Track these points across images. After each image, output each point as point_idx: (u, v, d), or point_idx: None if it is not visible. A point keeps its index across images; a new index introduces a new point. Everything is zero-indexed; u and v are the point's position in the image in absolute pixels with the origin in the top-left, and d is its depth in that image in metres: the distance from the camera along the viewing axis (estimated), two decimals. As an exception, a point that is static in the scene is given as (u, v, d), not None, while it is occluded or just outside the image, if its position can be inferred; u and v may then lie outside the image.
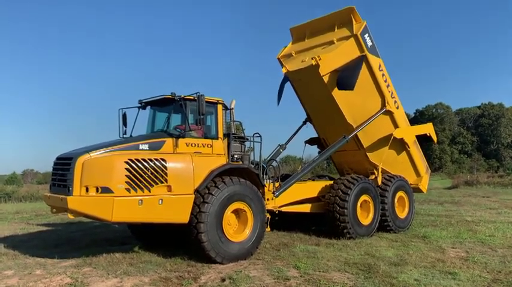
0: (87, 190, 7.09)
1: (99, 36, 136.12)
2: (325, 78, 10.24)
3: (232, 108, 9.27)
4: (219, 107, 8.77)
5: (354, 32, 10.26)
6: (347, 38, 10.37)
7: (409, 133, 12.01)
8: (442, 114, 78.60)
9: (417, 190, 13.09)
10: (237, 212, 8.42)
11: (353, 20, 10.39)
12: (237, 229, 8.45)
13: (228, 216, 8.17)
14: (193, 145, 8.16)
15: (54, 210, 7.99)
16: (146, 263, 7.89)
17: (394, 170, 12.21)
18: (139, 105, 9.11)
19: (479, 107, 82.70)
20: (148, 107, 9.20)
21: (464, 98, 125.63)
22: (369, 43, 10.57)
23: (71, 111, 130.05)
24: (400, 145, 11.78)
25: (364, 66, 10.49)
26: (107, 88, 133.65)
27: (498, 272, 7.27)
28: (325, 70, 10.16)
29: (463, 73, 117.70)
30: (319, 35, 10.98)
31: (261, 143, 9.45)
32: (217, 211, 7.82)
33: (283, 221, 11.27)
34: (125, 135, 8.91)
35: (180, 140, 8.03)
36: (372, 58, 10.67)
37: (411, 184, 12.73)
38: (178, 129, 8.37)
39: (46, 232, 12.53)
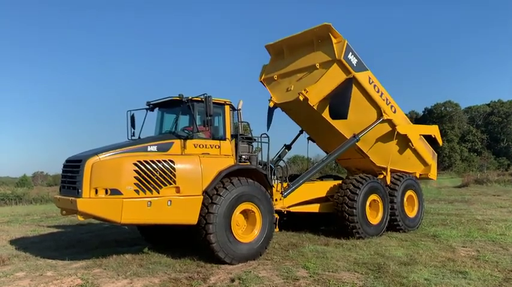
0: (96, 191, 7.13)
1: (110, 39, 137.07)
2: (316, 107, 10.19)
3: (240, 109, 9.27)
4: (227, 108, 8.78)
5: (337, 57, 9.80)
6: (330, 63, 9.94)
7: (413, 130, 11.93)
8: (451, 112, 77.94)
9: (426, 178, 13.07)
10: (245, 213, 8.43)
11: (331, 37, 9.93)
12: (245, 230, 8.45)
13: (237, 217, 8.18)
14: (201, 146, 8.18)
15: (64, 212, 8.03)
16: (156, 264, 7.93)
17: (402, 167, 12.16)
18: (147, 107, 9.16)
19: (488, 105, 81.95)
20: (156, 108, 9.23)
21: (473, 95, 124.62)
22: (354, 61, 10.14)
23: (80, 114, 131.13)
24: (404, 143, 11.69)
25: (353, 86, 10.19)
26: (115, 90, 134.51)
27: (510, 271, 7.21)
28: (315, 101, 10.07)
29: (471, 71, 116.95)
30: (299, 54, 10.56)
31: (268, 143, 9.46)
32: (226, 212, 7.83)
33: (291, 222, 11.27)
34: (133, 137, 8.97)
35: (188, 141, 8.06)
36: (360, 76, 10.30)
37: (421, 174, 12.71)
38: (186, 131, 8.40)
39: (56, 234, 12.63)
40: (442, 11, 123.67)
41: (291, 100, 10.31)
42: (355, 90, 10.24)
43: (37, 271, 7.70)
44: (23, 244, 10.64)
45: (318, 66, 10.10)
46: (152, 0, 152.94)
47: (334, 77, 10.04)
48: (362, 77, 10.37)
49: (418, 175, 12.67)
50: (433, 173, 12.85)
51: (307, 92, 9.86)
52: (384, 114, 10.89)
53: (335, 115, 10.17)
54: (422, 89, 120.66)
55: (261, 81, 11.37)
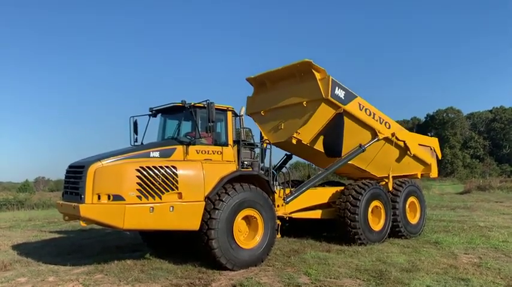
0: (99, 197, 7.16)
1: (114, 42, 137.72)
2: (309, 143, 10.32)
3: (242, 115, 9.29)
4: (229, 114, 8.82)
5: (324, 97, 9.66)
6: (318, 102, 9.80)
7: (411, 138, 12.01)
8: (453, 118, 77.96)
9: (428, 176, 13.17)
10: (247, 219, 8.43)
11: (314, 72, 9.78)
12: (247, 236, 8.45)
13: (239, 223, 8.18)
14: (203, 152, 8.20)
15: (67, 217, 8.05)
16: (157, 270, 7.92)
17: (403, 172, 12.24)
18: (150, 113, 9.19)
19: (491, 111, 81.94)
20: (159, 114, 9.27)
21: (475, 102, 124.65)
22: (342, 94, 9.97)
23: (83, 119, 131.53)
24: (402, 152, 11.76)
25: (345, 118, 10.13)
26: (118, 95, 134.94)
27: (512, 278, 7.19)
28: (307, 139, 10.22)
29: (474, 77, 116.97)
30: (283, 88, 10.45)
31: (270, 149, 9.48)
32: (228, 218, 7.84)
33: (293, 228, 11.25)
34: (136, 143, 8.99)
35: (191, 147, 8.08)
36: (350, 107, 10.21)
37: (422, 174, 12.79)
38: (188, 137, 8.43)
39: (58, 239, 12.64)
40: (444, 17, 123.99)
41: (284, 141, 10.39)
42: (347, 121, 10.20)
43: (39, 277, 7.70)
44: (24, 249, 10.64)
45: (305, 105, 9.97)
46: (157, 3, 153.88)
47: (323, 115, 10.03)
48: (352, 107, 10.31)
49: (419, 175, 12.78)
50: (434, 171, 12.89)
51: (299, 133, 9.99)
52: (379, 134, 10.93)
53: (330, 153, 10.24)
54: (424, 95, 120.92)
55: (248, 115, 11.32)
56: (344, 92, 10.07)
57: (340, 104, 9.97)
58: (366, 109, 10.70)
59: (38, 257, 9.51)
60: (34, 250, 10.65)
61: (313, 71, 9.83)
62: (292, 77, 10.27)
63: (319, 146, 10.42)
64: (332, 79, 9.76)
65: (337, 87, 9.90)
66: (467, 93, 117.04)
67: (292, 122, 10.27)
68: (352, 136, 10.49)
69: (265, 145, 10.30)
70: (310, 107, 9.97)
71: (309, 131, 10.16)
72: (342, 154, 10.48)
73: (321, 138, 10.33)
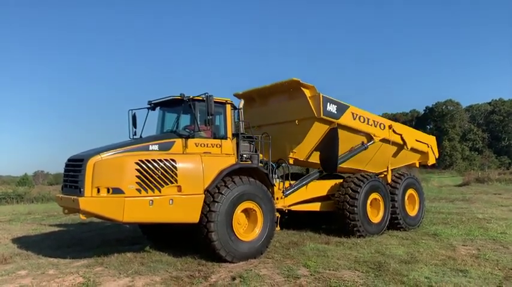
0: (98, 190, 7.16)
1: (111, 38, 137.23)
2: (305, 159, 10.42)
3: (241, 108, 9.27)
4: (228, 107, 8.80)
5: (317, 116, 9.57)
6: (311, 121, 9.74)
7: (408, 132, 12.04)
8: (452, 111, 77.86)
9: (426, 164, 13.31)
10: (246, 212, 8.46)
11: (303, 90, 9.66)
12: (247, 228, 8.48)
13: (238, 215, 8.20)
14: (202, 145, 8.20)
15: (66, 211, 8.07)
16: (157, 263, 7.96)
17: (401, 164, 12.37)
18: (149, 106, 9.17)
19: (489, 103, 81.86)
20: (158, 108, 9.25)
21: (474, 94, 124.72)
22: (334, 109, 9.81)
23: (81, 113, 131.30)
24: (399, 147, 11.84)
25: (339, 130, 10.07)
26: (117, 89, 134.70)
27: (510, 269, 7.23)
28: (303, 156, 10.30)
29: (472, 69, 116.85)
30: (273, 103, 10.43)
31: (269, 142, 9.47)
32: (227, 210, 7.86)
33: (292, 220, 11.30)
34: (134, 136, 8.98)
35: (190, 140, 8.08)
36: (343, 119, 10.14)
37: (420, 162, 12.94)
38: (187, 130, 8.42)
39: (58, 233, 12.66)
40: (444, 9, 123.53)
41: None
42: (341, 132, 10.15)
43: (39, 270, 7.73)
44: (24, 243, 10.67)
45: (297, 123, 9.88)
46: (157, 3, 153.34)
47: (317, 133, 10.03)
48: (345, 118, 10.24)
49: (417, 164, 12.94)
50: (431, 159, 13.00)
51: (294, 153, 10.04)
52: (374, 137, 10.94)
53: (326, 168, 10.31)
54: (423, 88, 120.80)
55: None
56: (336, 106, 9.91)
57: (333, 120, 9.92)
58: (359, 117, 10.63)
59: (38, 250, 9.54)
60: (34, 243, 10.68)
61: (302, 88, 9.70)
62: (281, 94, 10.19)
63: (315, 159, 10.48)
64: (323, 96, 9.62)
65: (328, 104, 9.74)
66: (466, 85, 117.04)
67: (286, 140, 10.22)
68: (348, 143, 10.58)
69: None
70: (303, 126, 9.90)
71: (304, 149, 10.23)
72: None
73: (317, 153, 10.37)
